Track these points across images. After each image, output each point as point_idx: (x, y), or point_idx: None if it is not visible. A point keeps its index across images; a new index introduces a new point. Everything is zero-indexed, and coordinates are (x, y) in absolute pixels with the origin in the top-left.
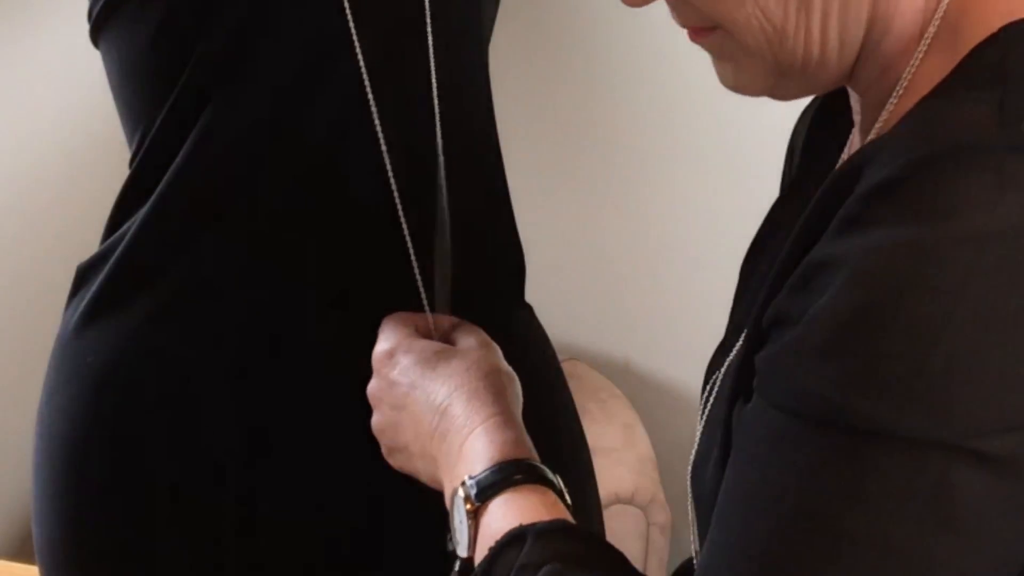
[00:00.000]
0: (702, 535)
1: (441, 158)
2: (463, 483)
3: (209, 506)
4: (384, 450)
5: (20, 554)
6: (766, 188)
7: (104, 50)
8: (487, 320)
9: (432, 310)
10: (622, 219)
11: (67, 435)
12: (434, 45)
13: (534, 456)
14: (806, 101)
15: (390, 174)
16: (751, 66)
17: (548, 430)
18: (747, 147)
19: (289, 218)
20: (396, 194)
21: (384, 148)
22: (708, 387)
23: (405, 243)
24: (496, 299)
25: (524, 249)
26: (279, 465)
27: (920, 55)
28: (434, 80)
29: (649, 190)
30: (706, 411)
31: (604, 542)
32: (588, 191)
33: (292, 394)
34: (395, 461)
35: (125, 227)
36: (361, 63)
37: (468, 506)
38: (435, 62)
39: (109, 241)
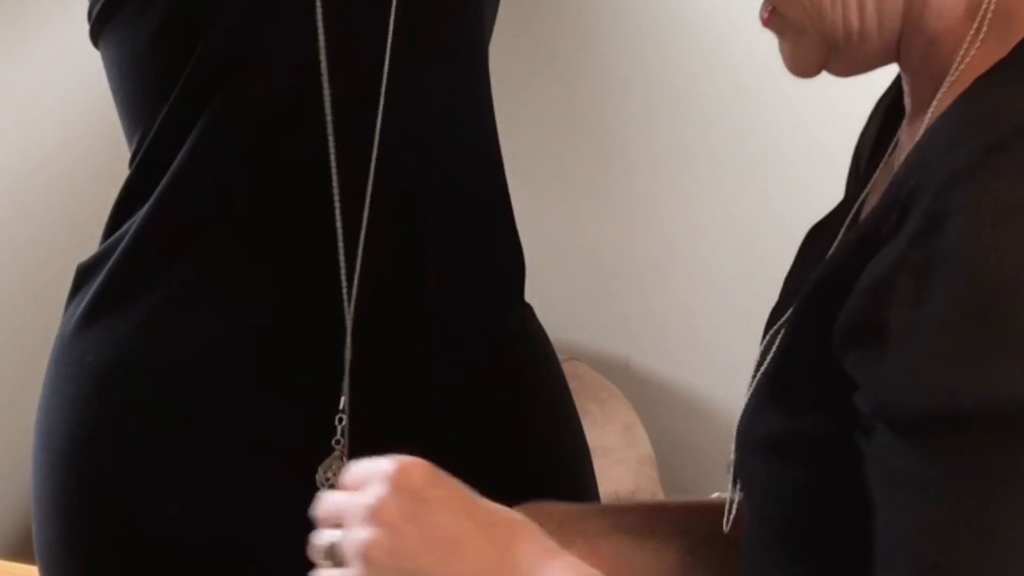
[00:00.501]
0: (744, 491)
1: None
2: None
3: (209, 506)
4: (379, 566)
5: (20, 554)
6: (767, 188)
7: (104, 50)
8: (487, 320)
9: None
10: (622, 219)
11: (67, 434)
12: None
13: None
14: (808, 101)
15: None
16: (802, 43)
17: (548, 430)
18: (748, 148)
19: (288, 218)
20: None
21: (377, 149)
22: (763, 348)
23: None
24: (496, 299)
25: (524, 249)
26: (279, 465)
27: (971, 39)
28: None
29: (649, 190)
30: (759, 371)
31: None
32: (588, 191)
33: (293, 396)
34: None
35: (125, 227)
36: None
37: None
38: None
39: (109, 241)
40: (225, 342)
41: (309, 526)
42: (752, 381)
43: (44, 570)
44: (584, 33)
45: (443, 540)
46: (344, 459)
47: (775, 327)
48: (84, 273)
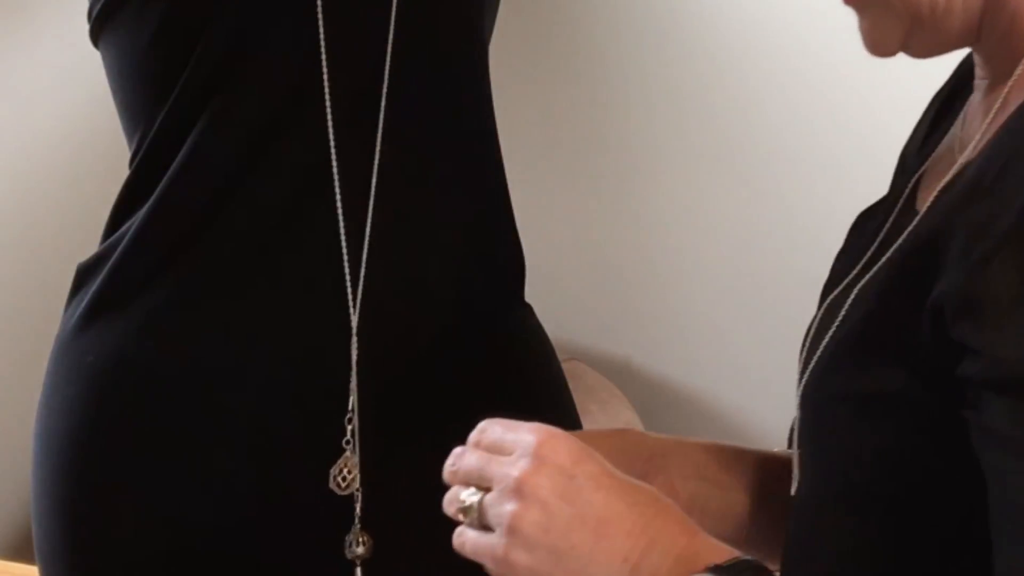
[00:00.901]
0: (809, 451)
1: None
2: (711, 568)
3: (212, 506)
4: (523, 544)
5: (20, 554)
6: (767, 188)
7: (104, 50)
8: (487, 320)
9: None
10: (622, 219)
11: (66, 435)
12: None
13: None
14: (809, 102)
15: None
16: (885, 19)
17: None
18: (748, 148)
19: (288, 218)
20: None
21: (378, 147)
22: (822, 315)
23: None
24: (496, 299)
25: (524, 249)
26: (283, 465)
27: None
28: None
29: (650, 190)
30: (827, 336)
31: None
32: (588, 191)
33: (292, 397)
34: (531, 558)
35: (125, 227)
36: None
37: None
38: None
39: (109, 241)
40: (226, 342)
41: (317, 527)
42: (805, 345)
43: (44, 570)
44: (584, 33)
45: (594, 520)
46: (356, 458)
47: (831, 297)
48: (84, 273)
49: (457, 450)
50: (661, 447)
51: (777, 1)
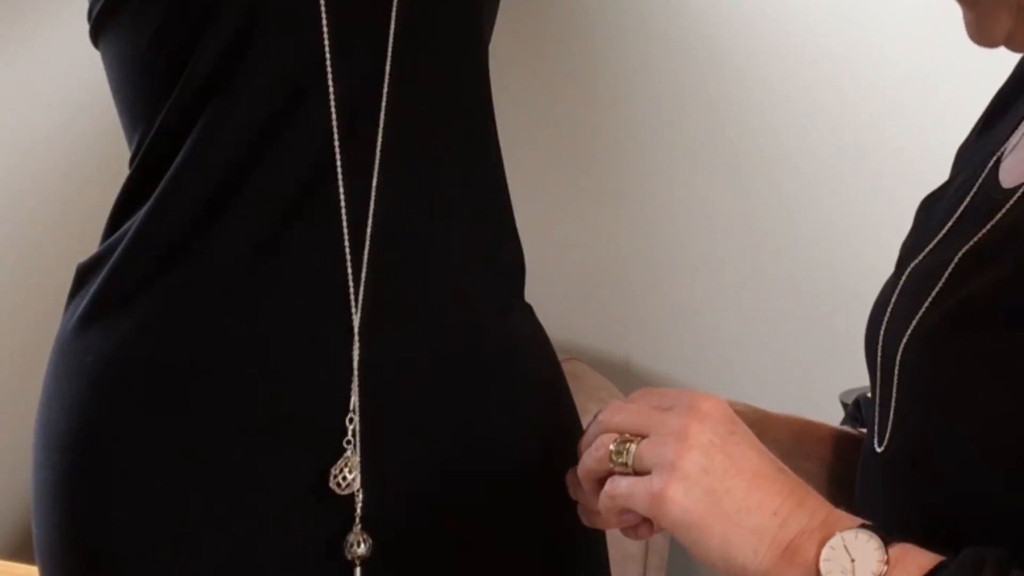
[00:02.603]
0: (901, 402)
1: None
2: (861, 525)
3: (208, 507)
4: (681, 483)
5: (20, 554)
6: (767, 188)
7: (104, 50)
8: (487, 320)
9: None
10: (622, 219)
11: (67, 435)
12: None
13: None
14: (809, 103)
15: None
16: (996, 9)
17: (548, 430)
18: (748, 148)
19: (290, 218)
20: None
21: (379, 147)
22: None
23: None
24: (496, 299)
25: (524, 249)
26: (284, 465)
27: None
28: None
29: (650, 190)
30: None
31: None
32: (588, 191)
33: (293, 395)
34: (685, 500)
35: (125, 227)
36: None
37: (879, 536)
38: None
39: (109, 241)
40: (226, 342)
41: (317, 527)
42: (889, 309)
43: (44, 570)
44: (584, 33)
45: (750, 472)
46: (356, 458)
47: (913, 263)
48: (84, 273)
49: (613, 403)
50: (750, 421)
51: (778, 1)
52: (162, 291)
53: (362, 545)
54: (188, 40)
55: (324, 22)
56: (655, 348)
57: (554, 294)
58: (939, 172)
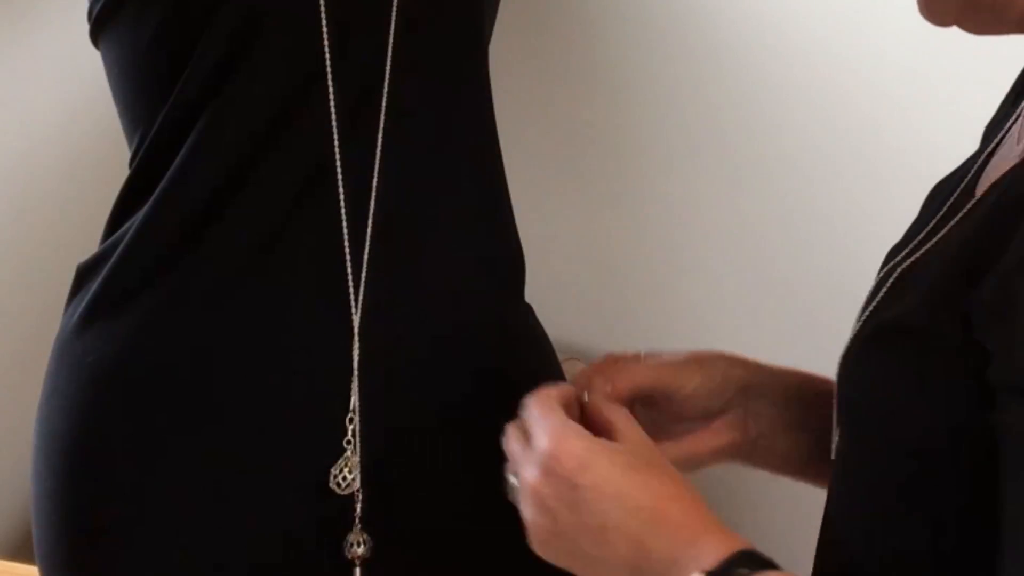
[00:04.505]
0: (843, 431)
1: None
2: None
3: (213, 507)
4: (540, 543)
5: (20, 554)
6: (768, 189)
7: (104, 50)
8: (487, 320)
9: None
10: (622, 219)
11: (67, 435)
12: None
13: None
14: (810, 103)
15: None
16: None
17: None
18: (749, 148)
19: (289, 218)
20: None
21: (379, 146)
22: (875, 288)
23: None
24: (496, 299)
25: (524, 249)
26: (285, 465)
27: None
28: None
29: (650, 190)
30: (867, 310)
31: None
32: (588, 191)
33: (293, 395)
34: (550, 554)
35: (125, 227)
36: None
37: None
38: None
39: (109, 241)
40: (227, 342)
41: (317, 527)
42: (866, 308)
43: (44, 570)
44: (584, 32)
45: (597, 527)
46: (356, 458)
47: (890, 264)
48: (84, 273)
49: (513, 425)
50: (748, 382)
51: (779, 1)
52: (162, 291)
53: (362, 545)
54: (188, 40)
55: (324, 22)
56: (655, 348)
57: (554, 294)
58: (943, 173)
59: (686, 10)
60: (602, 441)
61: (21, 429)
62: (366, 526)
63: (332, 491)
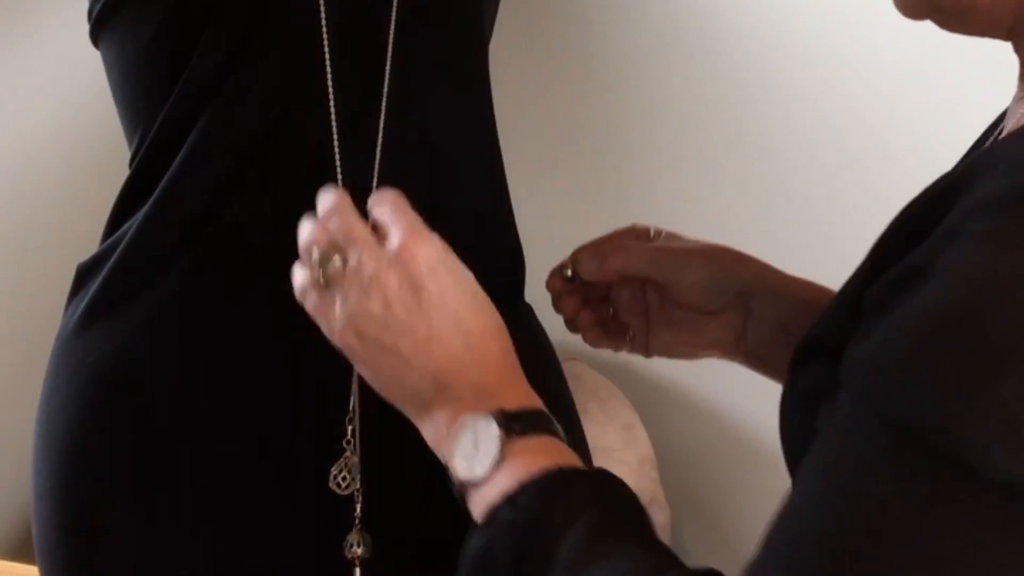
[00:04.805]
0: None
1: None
2: (497, 413)
3: (213, 508)
4: (355, 330)
5: (20, 554)
6: (768, 190)
7: (104, 50)
8: None
9: None
10: (623, 219)
11: (67, 435)
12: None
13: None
14: (811, 105)
15: (375, 173)
16: None
17: None
18: (750, 150)
19: (289, 218)
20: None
21: (380, 146)
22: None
23: None
24: (496, 299)
25: (524, 249)
26: (285, 465)
27: None
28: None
29: (651, 190)
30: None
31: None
32: (588, 191)
33: (293, 395)
34: (357, 344)
35: (125, 227)
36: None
37: (502, 432)
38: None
39: (109, 241)
40: (227, 342)
41: (316, 527)
42: None
43: (44, 570)
44: (585, 32)
45: (423, 334)
46: (356, 458)
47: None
48: (84, 273)
49: (337, 202)
50: (753, 289)
51: (780, 1)
52: (162, 291)
53: (362, 546)
54: (188, 40)
55: (324, 22)
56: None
57: None
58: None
59: (686, 11)
60: (453, 257)
61: (21, 429)
62: (366, 526)
63: (332, 491)
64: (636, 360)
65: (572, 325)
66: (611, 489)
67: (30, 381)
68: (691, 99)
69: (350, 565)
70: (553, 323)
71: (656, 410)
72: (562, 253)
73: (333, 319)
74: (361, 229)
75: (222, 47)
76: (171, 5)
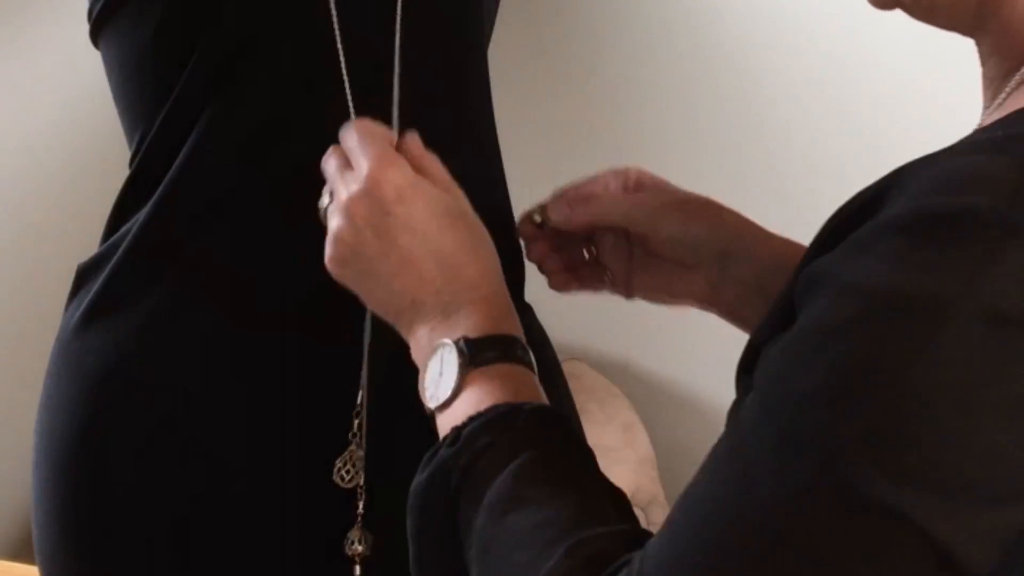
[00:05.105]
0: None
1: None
2: (460, 340)
3: (209, 506)
4: (336, 261)
5: (20, 554)
6: (769, 189)
7: (104, 50)
8: None
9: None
10: None
11: (67, 435)
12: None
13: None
14: (812, 106)
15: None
16: None
17: None
18: (750, 150)
19: (291, 218)
20: None
21: None
22: None
23: None
24: None
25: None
26: (286, 465)
27: None
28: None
29: None
30: None
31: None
32: None
33: (293, 395)
34: (343, 272)
35: (125, 228)
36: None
37: (462, 361)
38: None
39: (109, 242)
40: (227, 342)
41: (318, 523)
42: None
43: (44, 570)
44: (584, 32)
45: (396, 258)
46: (361, 452)
47: None
48: (84, 273)
49: (331, 148)
50: (730, 248)
51: (780, 2)
52: (163, 291)
53: (363, 543)
54: (189, 40)
55: (326, 24)
56: (655, 348)
57: (554, 294)
58: None
59: (685, 11)
60: (426, 181)
61: (21, 429)
62: (367, 524)
63: (335, 485)
64: (636, 360)
65: (540, 269)
66: (554, 428)
67: (30, 381)
68: (692, 99)
69: (350, 562)
70: (553, 323)
71: (656, 410)
72: None
73: (326, 258)
74: (334, 164)
75: (223, 47)
76: (171, 5)
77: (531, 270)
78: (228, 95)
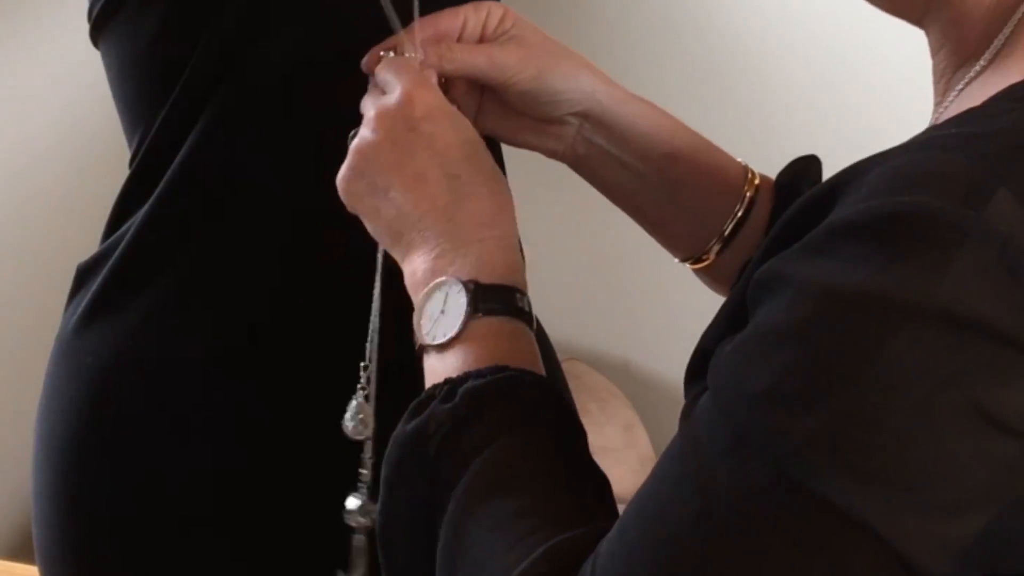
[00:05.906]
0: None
1: None
2: (470, 283)
3: (209, 506)
4: (351, 171)
5: (20, 554)
6: None
7: (104, 50)
8: None
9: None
10: (622, 219)
11: (67, 435)
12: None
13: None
14: (810, 107)
15: None
16: None
17: None
18: (750, 151)
19: (290, 217)
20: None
21: None
22: None
23: None
24: None
25: (524, 249)
26: (278, 465)
27: (1006, 36)
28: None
29: None
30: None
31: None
32: (588, 191)
33: (292, 395)
34: (354, 187)
35: (125, 227)
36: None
37: (469, 306)
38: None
39: (109, 241)
40: (227, 342)
41: (323, 497)
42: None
43: (44, 570)
44: (584, 32)
45: (411, 172)
46: (371, 407)
47: None
48: (84, 273)
49: (373, 82)
50: (591, 111)
51: (781, 2)
52: (162, 291)
53: (367, 516)
54: (188, 39)
55: (326, 22)
56: (655, 348)
57: (554, 294)
58: None
59: (686, 12)
60: (456, 110)
61: (21, 429)
62: (373, 496)
63: (342, 446)
64: (636, 360)
65: None
66: (551, 406)
67: (30, 381)
68: (693, 99)
69: (351, 531)
70: (553, 323)
71: (656, 410)
72: (562, 252)
73: (344, 166)
74: (375, 93)
75: (221, 47)
76: (170, 5)
77: (531, 270)
78: (228, 95)
